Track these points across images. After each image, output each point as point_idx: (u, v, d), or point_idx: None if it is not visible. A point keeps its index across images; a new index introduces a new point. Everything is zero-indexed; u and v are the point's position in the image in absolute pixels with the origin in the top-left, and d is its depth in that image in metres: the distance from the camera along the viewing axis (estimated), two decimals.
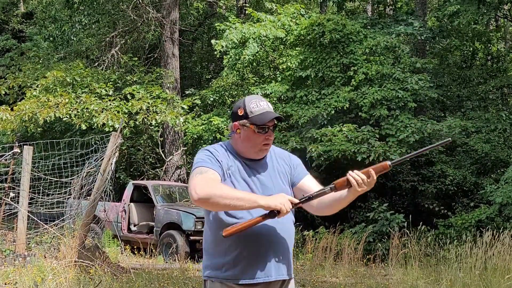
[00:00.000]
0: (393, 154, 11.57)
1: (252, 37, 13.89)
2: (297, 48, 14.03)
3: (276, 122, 2.76)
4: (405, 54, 13.69)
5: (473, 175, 13.65)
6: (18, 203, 8.53)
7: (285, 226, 2.73)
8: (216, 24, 16.18)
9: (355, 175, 2.60)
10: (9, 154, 9.60)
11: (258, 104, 2.72)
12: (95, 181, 8.62)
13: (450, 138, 2.85)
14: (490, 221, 11.06)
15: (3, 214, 9.46)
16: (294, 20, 14.69)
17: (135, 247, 11.19)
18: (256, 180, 2.74)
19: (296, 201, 2.63)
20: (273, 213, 2.55)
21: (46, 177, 9.53)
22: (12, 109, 13.35)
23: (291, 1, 18.96)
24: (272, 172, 2.78)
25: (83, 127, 12.97)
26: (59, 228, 8.82)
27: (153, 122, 13.54)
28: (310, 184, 2.86)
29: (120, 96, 14.10)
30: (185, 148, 15.84)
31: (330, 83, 13.16)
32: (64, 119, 12.96)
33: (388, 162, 2.64)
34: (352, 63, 12.89)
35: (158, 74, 16.12)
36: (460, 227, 11.15)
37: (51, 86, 13.89)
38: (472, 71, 17.33)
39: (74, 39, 19.18)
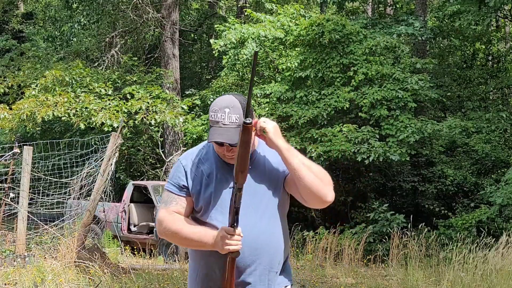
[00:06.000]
0: (393, 154, 11.56)
1: (251, 37, 13.88)
2: (296, 49, 14.01)
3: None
4: (405, 54, 13.67)
5: (473, 176, 13.64)
6: (18, 203, 8.52)
7: (260, 237, 2.45)
8: (216, 25, 16.17)
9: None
10: (9, 155, 9.59)
11: (215, 114, 2.38)
12: (95, 182, 8.61)
13: None
14: (491, 221, 11.05)
15: (3, 214, 9.44)
16: (293, 21, 14.68)
17: (135, 247, 11.18)
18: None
19: (231, 230, 2.33)
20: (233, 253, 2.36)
21: (46, 177, 9.52)
22: (10, 108, 13.34)
23: (291, 1, 18.96)
24: (259, 171, 2.49)
25: (82, 126, 12.95)
26: (59, 228, 8.81)
27: (153, 122, 13.52)
28: None
29: (120, 96, 14.09)
30: (185, 149, 15.82)
31: (330, 83, 13.15)
32: (62, 118, 12.95)
33: None
34: (352, 63, 12.88)
35: (158, 74, 16.11)
36: (461, 228, 11.14)
37: (50, 86, 13.88)
38: (472, 71, 17.32)
39: (74, 39, 19.18)
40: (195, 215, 2.55)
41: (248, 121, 2.23)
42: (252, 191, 2.44)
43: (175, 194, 2.52)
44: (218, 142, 2.38)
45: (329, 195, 2.42)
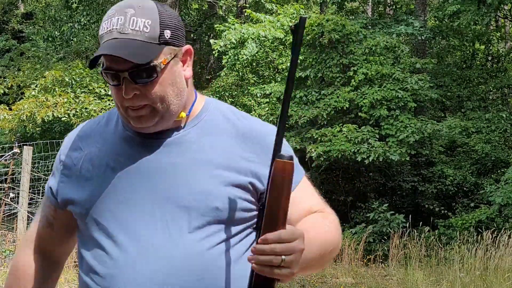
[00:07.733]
0: (393, 154, 11.57)
1: (251, 38, 13.90)
2: None
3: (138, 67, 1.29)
4: (405, 54, 13.68)
5: (473, 176, 13.64)
6: (18, 203, 8.52)
7: (180, 262, 1.32)
8: (215, 26, 16.18)
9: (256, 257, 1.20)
10: (8, 155, 9.59)
11: (109, 20, 1.33)
12: None
13: None
14: (490, 221, 11.06)
15: (3, 214, 9.45)
16: (293, 21, 14.69)
17: None
18: (151, 174, 1.37)
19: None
20: None
21: (46, 177, 9.52)
22: (10, 109, 13.37)
23: (291, 1, 18.97)
24: (194, 161, 1.38)
25: None
26: None
27: None
28: (302, 201, 1.43)
29: None
30: None
31: (329, 83, 13.15)
32: (62, 118, 12.97)
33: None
34: (351, 63, 12.89)
35: None
36: (460, 228, 11.15)
37: (49, 86, 13.90)
38: (472, 71, 17.33)
39: (74, 39, 19.19)
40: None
41: None
42: (182, 182, 1.36)
43: (46, 198, 1.51)
44: (114, 74, 1.31)
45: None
